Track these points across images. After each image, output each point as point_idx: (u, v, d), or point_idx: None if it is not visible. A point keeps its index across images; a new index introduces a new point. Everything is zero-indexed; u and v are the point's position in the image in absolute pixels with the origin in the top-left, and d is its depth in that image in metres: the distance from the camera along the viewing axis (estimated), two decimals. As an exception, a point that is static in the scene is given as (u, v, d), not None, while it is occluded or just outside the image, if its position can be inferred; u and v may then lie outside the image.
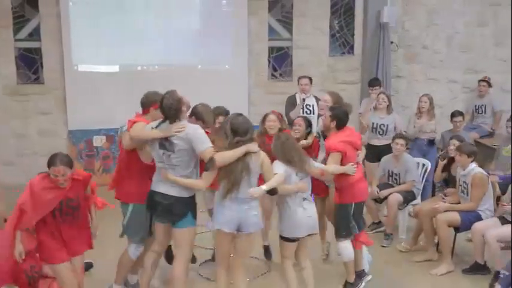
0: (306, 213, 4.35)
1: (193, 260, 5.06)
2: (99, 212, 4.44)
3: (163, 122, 4.11)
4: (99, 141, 8.44)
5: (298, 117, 5.54)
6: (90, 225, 4.34)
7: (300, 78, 7.15)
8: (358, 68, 8.90)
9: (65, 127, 8.43)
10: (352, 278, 4.87)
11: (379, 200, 6.35)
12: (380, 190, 6.20)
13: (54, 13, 8.14)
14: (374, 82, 7.66)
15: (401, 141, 6.18)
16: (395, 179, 6.29)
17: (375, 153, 6.87)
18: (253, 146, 4.08)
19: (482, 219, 5.35)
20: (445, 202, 5.59)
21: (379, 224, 6.47)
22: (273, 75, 8.97)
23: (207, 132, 4.28)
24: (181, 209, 4.12)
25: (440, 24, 8.88)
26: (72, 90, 8.29)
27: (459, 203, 5.59)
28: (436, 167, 6.44)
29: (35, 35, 8.31)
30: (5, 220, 5.22)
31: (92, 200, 4.33)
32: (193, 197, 4.22)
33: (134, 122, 4.26)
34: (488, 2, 8.87)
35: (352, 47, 8.97)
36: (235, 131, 4.05)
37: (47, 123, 8.43)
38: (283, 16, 8.83)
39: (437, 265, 5.46)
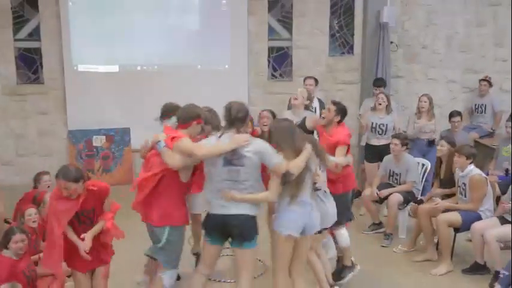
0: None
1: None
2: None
3: (221, 135, 3.88)
4: (98, 141, 8.43)
5: (263, 110, 5.49)
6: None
7: (305, 78, 7.18)
8: (358, 68, 8.89)
9: (65, 127, 8.42)
10: (349, 262, 5.00)
11: (379, 201, 6.35)
12: (380, 190, 6.21)
13: (53, 13, 8.14)
14: (379, 82, 7.67)
15: (395, 141, 6.19)
16: (396, 179, 6.30)
17: (374, 153, 6.89)
18: (309, 148, 3.99)
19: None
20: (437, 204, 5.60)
21: (379, 224, 6.47)
22: (272, 75, 8.96)
23: (203, 137, 4.21)
24: (253, 227, 3.90)
25: (440, 24, 8.87)
26: (72, 90, 8.29)
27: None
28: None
29: (34, 35, 8.31)
30: (5, 220, 5.24)
31: (108, 222, 4.09)
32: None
33: (173, 138, 3.93)
34: (488, 2, 8.86)
35: (351, 47, 8.96)
36: (295, 139, 3.95)
37: (46, 123, 8.42)
38: (282, 16, 8.82)
39: (437, 265, 5.46)
